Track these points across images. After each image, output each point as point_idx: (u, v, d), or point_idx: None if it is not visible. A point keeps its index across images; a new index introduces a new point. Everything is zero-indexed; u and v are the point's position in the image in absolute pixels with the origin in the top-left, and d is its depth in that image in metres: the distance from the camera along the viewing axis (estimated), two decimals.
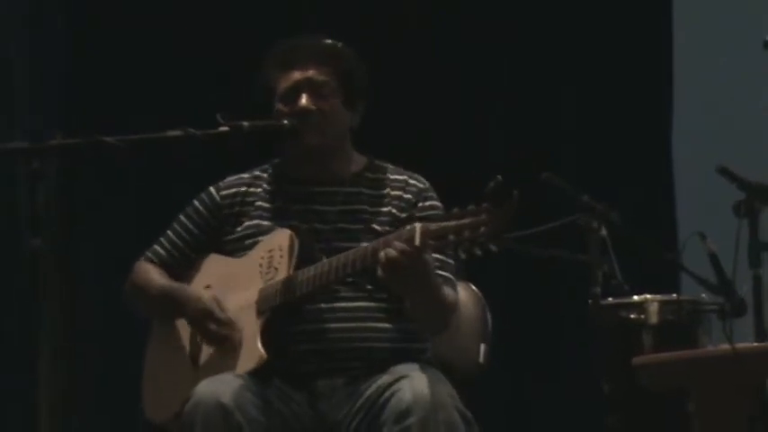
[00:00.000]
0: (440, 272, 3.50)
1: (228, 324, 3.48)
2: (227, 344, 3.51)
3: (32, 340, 3.49)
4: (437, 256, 3.46)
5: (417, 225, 3.26)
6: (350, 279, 3.43)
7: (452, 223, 3.19)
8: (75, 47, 5.96)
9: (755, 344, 3.89)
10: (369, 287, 3.47)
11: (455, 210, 3.21)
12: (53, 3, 6.02)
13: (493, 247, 3.18)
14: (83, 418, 5.25)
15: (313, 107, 3.52)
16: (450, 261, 3.55)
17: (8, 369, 4.85)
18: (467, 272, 3.78)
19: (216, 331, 3.48)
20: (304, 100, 3.52)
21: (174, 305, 3.61)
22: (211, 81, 4.48)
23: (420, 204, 3.58)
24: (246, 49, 5.31)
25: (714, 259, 4.20)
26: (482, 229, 3.13)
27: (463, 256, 3.30)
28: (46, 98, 5.86)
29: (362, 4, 6.06)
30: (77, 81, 5.95)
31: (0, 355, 5.27)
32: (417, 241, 3.21)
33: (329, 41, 3.68)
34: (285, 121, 3.54)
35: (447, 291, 3.49)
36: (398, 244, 3.25)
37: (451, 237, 3.19)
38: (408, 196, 3.59)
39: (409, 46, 6.07)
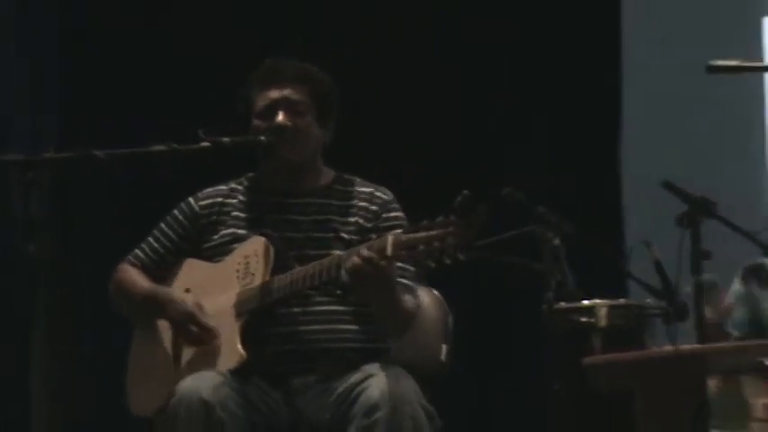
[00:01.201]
0: (401, 279, 3.53)
1: (209, 330, 3.53)
2: (207, 346, 3.56)
3: (30, 341, 3.54)
4: (399, 264, 3.49)
5: (390, 235, 3.31)
6: (322, 285, 3.46)
7: (422, 234, 3.23)
8: (76, 47, 5.87)
9: (697, 345, 3.97)
10: (339, 292, 3.50)
11: (425, 222, 3.26)
12: (53, 3, 5.92)
13: (461, 257, 3.23)
14: (80, 420, 5.12)
15: (289, 123, 3.57)
16: (411, 268, 3.58)
17: (6, 369, 4.69)
18: (429, 278, 3.79)
19: (197, 334, 3.53)
20: (281, 116, 3.57)
21: (156, 307, 3.64)
22: (211, 81, 4.52)
23: (384, 215, 3.62)
24: (246, 49, 5.34)
25: (659, 266, 4.26)
26: (450, 239, 3.18)
27: (433, 265, 3.31)
28: (46, 98, 5.74)
29: (363, 3, 5.94)
30: (77, 81, 5.83)
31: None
32: (389, 251, 3.26)
33: (305, 64, 3.74)
34: (262, 138, 3.57)
35: (407, 299, 3.52)
36: (365, 252, 3.29)
37: (422, 247, 3.23)
38: (374, 208, 3.63)
39: (409, 46, 6.00)
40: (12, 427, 4.47)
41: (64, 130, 5.57)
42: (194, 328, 3.53)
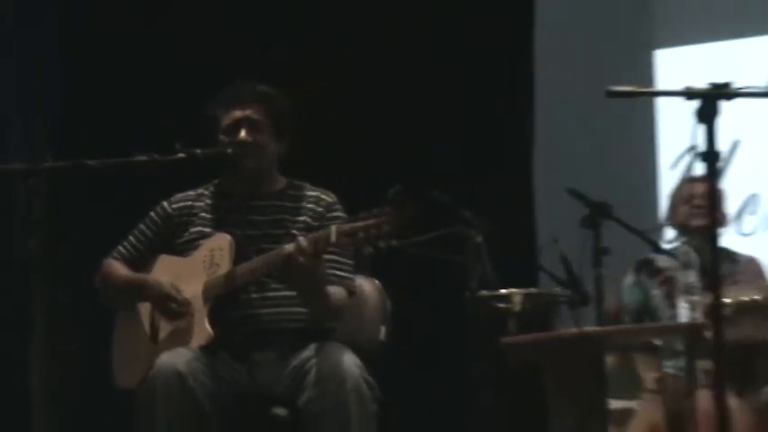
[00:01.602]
0: (337, 271, 3.61)
1: (184, 303, 3.58)
2: (182, 322, 3.60)
3: (30, 341, 3.53)
4: (336, 257, 3.58)
5: (333, 226, 3.39)
6: (276, 273, 3.53)
7: (361, 223, 3.32)
8: (75, 47, 5.68)
9: (596, 327, 4.04)
10: None
11: (362, 213, 3.35)
12: (52, 3, 5.63)
13: (394, 242, 3.35)
14: (74, 416, 4.90)
15: (250, 139, 3.65)
16: (349, 261, 3.65)
17: (6, 369, 4.43)
18: (372, 269, 3.90)
19: (175, 309, 3.58)
20: (243, 133, 3.65)
21: (138, 290, 3.69)
22: (211, 81, 4.39)
23: (328, 215, 3.68)
24: (246, 49, 5.15)
25: (565, 261, 4.26)
26: (385, 227, 3.28)
27: (370, 249, 3.43)
28: (45, 98, 5.55)
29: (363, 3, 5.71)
30: (75, 82, 5.63)
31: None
32: (333, 238, 3.35)
33: (263, 87, 3.79)
34: (229, 150, 3.64)
35: (335, 291, 3.58)
36: (302, 243, 3.36)
37: (361, 234, 3.32)
38: (320, 209, 3.70)
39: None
40: (12, 427, 4.30)
41: (62, 130, 5.38)
42: (173, 305, 3.58)
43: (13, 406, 4.12)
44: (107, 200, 4.26)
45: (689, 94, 2.99)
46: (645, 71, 6.02)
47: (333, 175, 3.96)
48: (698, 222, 4.37)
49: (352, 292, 3.69)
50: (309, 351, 3.49)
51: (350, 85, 5.73)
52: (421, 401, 4.96)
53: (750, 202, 5.91)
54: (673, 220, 4.69)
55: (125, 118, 5.19)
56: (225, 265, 3.58)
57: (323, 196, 3.77)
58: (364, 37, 5.73)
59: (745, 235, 5.79)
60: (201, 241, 3.70)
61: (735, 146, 5.66)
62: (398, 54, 5.75)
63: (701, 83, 3.00)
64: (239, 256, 3.59)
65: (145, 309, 3.71)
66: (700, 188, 4.32)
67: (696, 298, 3.65)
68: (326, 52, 5.72)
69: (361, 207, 3.52)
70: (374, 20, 5.73)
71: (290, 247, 3.43)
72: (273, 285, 3.60)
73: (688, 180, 4.60)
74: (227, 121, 3.70)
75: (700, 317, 3.65)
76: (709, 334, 3.36)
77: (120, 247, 3.81)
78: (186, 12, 5.61)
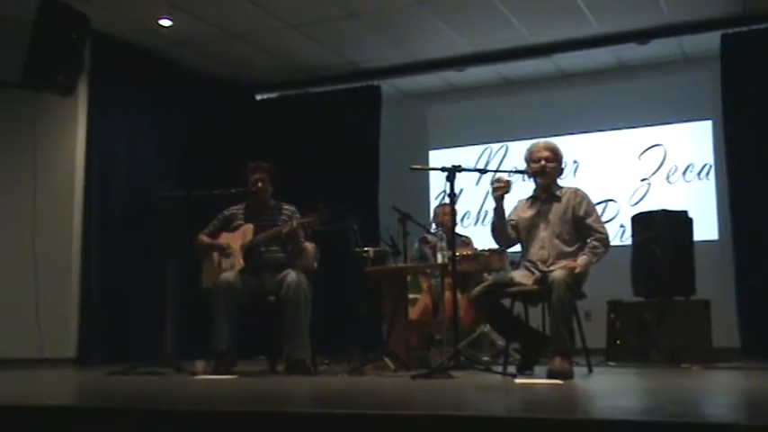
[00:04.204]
0: (299, 238, 3.65)
1: (232, 252, 3.63)
2: (231, 260, 3.62)
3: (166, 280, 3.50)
4: (297, 232, 3.61)
5: (294, 220, 3.58)
6: (272, 239, 3.63)
7: (306, 219, 3.51)
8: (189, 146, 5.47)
9: (403, 264, 4.06)
10: (281, 242, 3.66)
11: (306, 214, 3.53)
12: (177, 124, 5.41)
13: (319, 227, 3.47)
14: (183, 300, 4.63)
15: (262, 187, 3.74)
16: (302, 233, 3.66)
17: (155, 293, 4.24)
18: (311, 239, 3.86)
19: (228, 252, 3.63)
20: (260, 184, 3.73)
21: (213, 247, 3.72)
22: (244, 160, 3.93)
23: (293, 216, 3.70)
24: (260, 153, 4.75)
25: (391, 236, 4.27)
26: (316, 221, 3.46)
27: (310, 230, 3.56)
28: (176, 164, 5.34)
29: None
30: (190, 158, 5.43)
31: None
32: (294, 225, 3.55)
33: (267, 163, 3.81)
34: (253, 189, 3.73)
35: (305, 246, 3.66)
36: (293, 224, 3.50)
37: (305, 224, 3.50)
38: (290, 213, 3.75)
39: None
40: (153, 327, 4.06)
41: (182, 178, 5.25)
42: (228, 250, 3.64)
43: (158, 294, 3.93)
44: (200, 207, 4.13)
45: (443, 169, 3.08)
46: (422, 159, 6.02)
47: (294, 198, 3.93)
48: (447, 224, 4.39)
49: (303, 248, 3.79)
50: (286, 272, 3.58)
51: (302, 167, 5.67)
52: (331, 296, 4.53)
53: (466, 214, 6.06)
54: (436, 221, 4.80)
55: (211, 172, 5.08)
56: (250, 237, 3.67)
57: (291, 207, 3.83)
58: (306, 153, 5.71)
59: (464, 227, 6.01)
60: (240, 227, 3.76)
61: (461, 191, 5.97)
62: (324, 155, 5.70)
63: (449, 164, 3.08)
64: (256, 233, 3.68)
65: (215, 255, 3.76)
66: (447, 209, 4.39)
67: (444, 253, 3.66)
68: (295, 155, 5.72)
69: (306, 211, 3.59)
70: (305, 151, 5.66)
71: (277, 228, 3.59)
72: (272, 245, 3.68)
73: (442, 205, 4.65)
74: (252, 179, 3.78)
75: (446, 261, 3.60)
76: (449, 267, 3.43)
77: (205, 229, 3.85)
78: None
